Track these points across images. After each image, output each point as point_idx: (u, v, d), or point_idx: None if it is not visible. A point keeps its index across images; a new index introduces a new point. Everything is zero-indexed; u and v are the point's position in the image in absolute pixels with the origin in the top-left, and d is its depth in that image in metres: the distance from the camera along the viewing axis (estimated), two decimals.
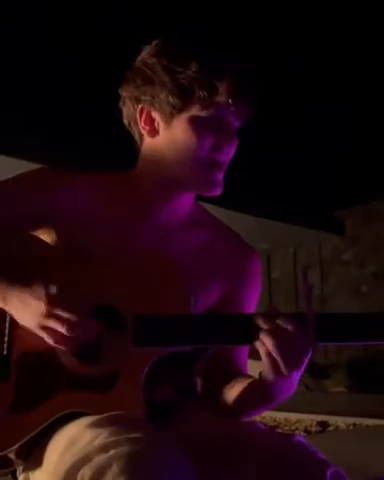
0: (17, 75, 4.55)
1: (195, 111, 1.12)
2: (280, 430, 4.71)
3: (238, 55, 1.16)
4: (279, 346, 0.97)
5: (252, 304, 1.30)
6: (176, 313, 1.05)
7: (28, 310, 1.01)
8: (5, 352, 1.09)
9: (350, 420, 4.97)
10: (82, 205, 1.18)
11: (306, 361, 1.00)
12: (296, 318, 0.99)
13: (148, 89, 1.15)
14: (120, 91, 1.22)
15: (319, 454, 0.96)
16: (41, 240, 1.18)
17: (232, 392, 1.14)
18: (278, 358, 0.97)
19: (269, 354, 0.98)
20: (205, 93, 1.10)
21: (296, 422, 5.18)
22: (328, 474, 0.92)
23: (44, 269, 1.12)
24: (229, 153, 1.16)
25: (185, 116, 1.13)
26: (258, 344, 0.99)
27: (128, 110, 1.21)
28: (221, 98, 1.11)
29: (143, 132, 1.19)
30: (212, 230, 1.28)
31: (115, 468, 0.81)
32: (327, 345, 1.02)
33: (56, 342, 1.01)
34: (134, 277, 1.09)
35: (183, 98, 1.12)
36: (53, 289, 1.00)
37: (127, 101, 1.20)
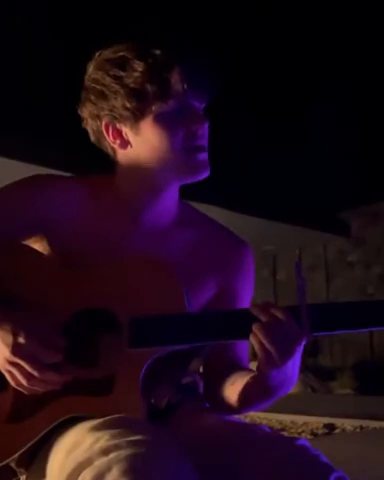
0: (16, 75, 4.56)
1: (157, 109, 1.11)
2: (286, 433, 4.70)
3: (177, 42, 1.18)
4: (271, 336, 0.97)
5: (247, 297, 1.30)
6: (170, 313, 1.05)
7: None
8: None
9: (357, 422, 4.96)
10: (72, 210, 1.19)
11: (299, 350, 1.00)
12: (288, 308, 1.00)
13: (104, 104, 1.14)
14: (79, 112, 1.21)
15: (322, 458, 0.95)
16: (33, 249, 1.18)
17: (233, 389, 1.14)
18: (270, 348, 0.97)
19: (262, 345, 0.98)
20: (159, 88, 1.09)
21: (302, 424, 5.17)
22: (331, 479, 0.91)
23: (36, 279, 1.13)
24: (204, 135, 1.15)
25: (149, 117, 1.12)
26: (251, 336, 0.99)
27: (92, 128, 1.20)
28: (176, 87, 1.10)
29: (114, 146, 1.18)
30: (201, 227, 1.28)
31: (115, 471, 0.81)
32: (321, 335, 1.02)
33: (17, 386, 1.03)
34: (127, 279, 1.09)
35: (139, 101, 1.11)
36: (21, 338, 1.00)
37: (89, 121, 1.19)
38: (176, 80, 1.10)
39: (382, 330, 1.01)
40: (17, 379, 1.01)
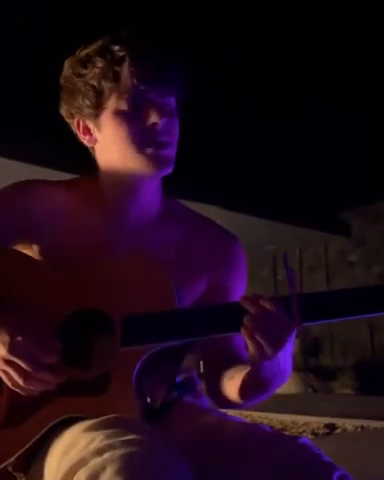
0: (16, 75, 4.57)
1: (113, 104, 1.12)
2: (287, 433, 4.69)
3: (137, 33, 1.16)
4: (260, 327, 0.97)
5: (239, 291, 1.28)
6: (161, 310, 1.05)
7: None
8: None
9: (358, 422, 4.95)
10: (59, 213, 1.20)
11: (290, 340, 1.00)
12: (278, 299, 0.99)
13: (73, 101, 1.17)
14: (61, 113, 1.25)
15: (324, 457, 0.95)
16: (22, 253, 1.19)
17: (232, 383, 1.14)
18: (261, 339, 0.97)
19: (252, 337, 0.98)
20: (112, 83, 1.11)
21: (303, 424, 5.15)
22: (334, 478, 0.90)
23: (27, 283, 1.13)
24: (164, 130, 1.13)
25: (108, 112, 1.13)
26: (242, 329, 0.99)
27: (73, 129, 1.22)
28: (127, 82, 1.11)
29: (86, 143, 1.20)
30: (187, 222, 1.26)
31: (109, 471, 0.81)
32: (312, 324, 1.02)
33: (13, 386, 1.03)
34: (117, 278, 1.09)
35: (97, 97, 1.13)
36: (18, 337, 1.00)
37: (68, 121, 1.22)
38: (128, 75, 1.11)
39: (373, 317, 1.00)
40: (13, 379, 1.01)
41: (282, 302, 0.99)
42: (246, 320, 0.99)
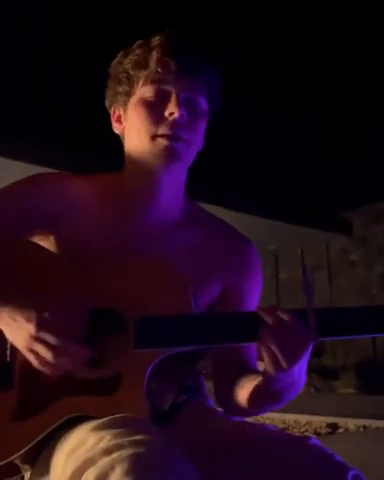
0: (16, 75, 4.57)
1: (140, 92, 1.14)
2: (289, 432, 4.68)
3: (173, 30, 1.18)
4: (278, 339, 0.96)
5: (255, 296, 1.28)
6: (177, 314, 1.04)
7: (17, 329, 1.00)
8: (8, 359, 1.08)
9: (360, 422, 4.95)
10: (77, 208, 1.19)
11: (306, 354, 0.99)
12: (295, 312, 0.99)
13: (111, 88, 1.20)
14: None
15: (337, 457, 0.95)
16: (39, 245, 1.17)
17: (243, 393, 1.14)
18: (277, 351, 0.96)
19: (269, 348, 0.97)
20: (142, 70, 1.13)
21: (306, 424, 5.16)
22: (349, 477, 0.90)
23: (43, 275, 1.12)
24: (177, 123, 1.12)
25: (134, 99, 1.15)
26: (258, 340, 0.98)
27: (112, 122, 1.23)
28: (153, 69, 1.12)
29: (116, 131, 1.22)
30: (205, 226, 1.26)
31: (118, 471, 0.81)
32: (329, 340, 1.01)
33: (41, 365, 0.99)
34: (133, 279, 1.08)
35: (129, 82, 1.15)
36: (46, 313, 0.97)
37: (110, 112, 1.23)
38: (155, 62, 1.12)
39: None
40: (41, 357, 0.98)
41: (299, 315, 0.98)
42: (262, 330, 0.98)
